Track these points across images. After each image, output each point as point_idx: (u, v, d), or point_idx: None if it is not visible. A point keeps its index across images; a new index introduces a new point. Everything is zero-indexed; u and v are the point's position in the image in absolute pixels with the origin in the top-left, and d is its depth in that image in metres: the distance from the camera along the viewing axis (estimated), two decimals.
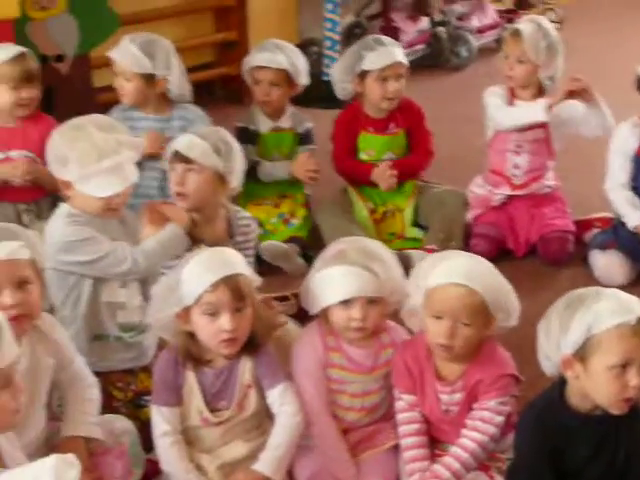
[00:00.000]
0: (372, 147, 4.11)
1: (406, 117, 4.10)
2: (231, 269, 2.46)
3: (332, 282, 2.58)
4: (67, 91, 4.70)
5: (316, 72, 5.28)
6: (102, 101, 4.62)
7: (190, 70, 4.86)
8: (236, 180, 3.09)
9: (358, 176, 4.10)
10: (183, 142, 3.06)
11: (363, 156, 4.12)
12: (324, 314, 2.64)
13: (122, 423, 2.60)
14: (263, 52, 4.10)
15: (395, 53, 3.99)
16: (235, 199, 3.97)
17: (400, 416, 2.60)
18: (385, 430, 2.67)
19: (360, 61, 3.98)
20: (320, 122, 4.36)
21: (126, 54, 3.75)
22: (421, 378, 2.57)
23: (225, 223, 3.13)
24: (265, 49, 4.11)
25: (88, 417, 2.52)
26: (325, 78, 5.76)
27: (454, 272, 2.44)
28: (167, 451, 2.52)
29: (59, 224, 2.82)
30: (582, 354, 2.20)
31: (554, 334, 2.24)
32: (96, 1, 4.82)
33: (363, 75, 3.99)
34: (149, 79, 3.78)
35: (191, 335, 2.51)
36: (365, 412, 2.68)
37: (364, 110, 4.08)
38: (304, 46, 5.65)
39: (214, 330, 2.45)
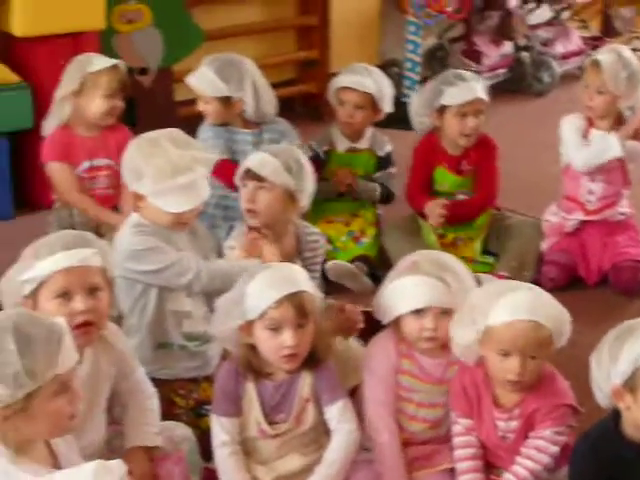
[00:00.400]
0: (446, 182, 4.10)
1: (479, 153, 4.07)
2: (295, 286, 2.49)
3: (405, 292, 2.61)
4: (149, 104, 4.81)
5: (396, 94, 5.31)
6: (183, 115, 4.71)
7: (272, 86, 4.96)
8: (306, 199, 3.12)
9: (415, 203, 4.09)
10: (255, 160, 3.11)
11: (438, 188, 4.11)
12: (397, 324, 2.66)
13: (182, 430, 2.64)
14: (352, 74, 4.13)
15: (476, 89, 3.97)
16: (306, 215, 4.04)
17: (457, 440, 2.61)
18: (443, 451, 2.67)
19: (439, 96, 3.97)
20: (398, 143, 4.38)
21: (202, 78, 3.83)
22: (478, 403, 2.57)
23: (294, 239, 3.16)
24: (355, 71, 4.14)
25: (149, 427, 2.56)
26: (404, 100, 5.81)
27: (518, 308, 2.43)
28: (225, 461, 2.55)
29: (127, 233, 2.89)
30: (631, 385, 2.19)
31: (604, 364, 2.23)
32: (181, 16, 4.93)
33: (442, 110, 3.98)
34: (226, 101, 3.83)
35: (253, 348, 2.54)
36: (428, 425, 2.69)
37: (441, 144, 4.07)
38: (385, 67, 5.68)
39: (276, 345, 2.49)
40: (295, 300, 2.47)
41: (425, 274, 2.59)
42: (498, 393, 2.55)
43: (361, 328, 3.03)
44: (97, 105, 3.71)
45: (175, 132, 2.92)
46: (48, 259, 2.36)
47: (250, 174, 3.08)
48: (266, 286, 2.48)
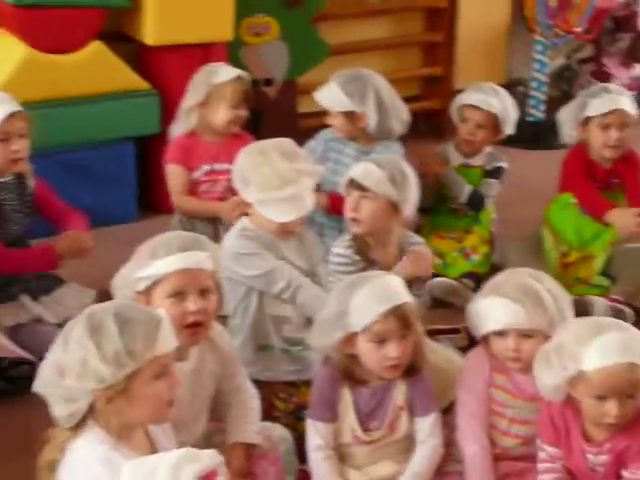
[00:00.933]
0: None
1: (625, 167, 4.04)
2: (398, 299, 2.53)
3: (487, 312, 2.63)
4: (273, 114, 4.92)
5: (520, 113, 5.28)
6: (305, 126, 4.80)
7: None
8: (410, 209, 3.16)
9: (595, 209, 4.02)
10: (359, 170, 3.15)
11: None
12: (487, 341, 2.69)
13: (280, 432, 2.72)
14: (478, 92, 4.13)
15: (620, 101, 3.94)
16: (419, 229, 4.07)
17: (541, 466, 2.60)
18: (534, 470, 2.66)
19: (584, 108, 3.97)
20: (518, 162, 4.38)
21: (328, 93, 3.89)
22: (567, 435, 2.55)
23: (397, 248, 3.19)
24: (481, 90, 4.14)
25: (250, 426, 2.65)
26: (529, 119, 5.78)
27: (611, 351, 2.38)
28: (319, 464, 2.61)
29: (233, 235, 3.01)
30: None
31: None
32: (307, 30, 5.04)
33: (586, 122, 3.98)
34: (350, 116, 3.88)
35: (353, 357, 2.59)
36: (520, 441, 2.70)
37: (589, 157, 4.05)
38: (511, 86, 5.66)
39: (380, 357, 2.54)
40: (399, 312, 2.51)
41: (505, 297, 2.59)
42: (588, 428, 2.52)
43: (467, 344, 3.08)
44: (222, 115, 3.82)
45: (285, 143, 3.01)
46: (165, 259, 2.46)
47: (354, 184, 3.14)
48: (370, 300, 2.52)
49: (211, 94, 3.81)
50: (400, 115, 3.94)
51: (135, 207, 4.54)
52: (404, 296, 2.56)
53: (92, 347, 2.04)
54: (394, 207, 3.12)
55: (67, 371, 2.06)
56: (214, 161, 3.88)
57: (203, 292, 2.50)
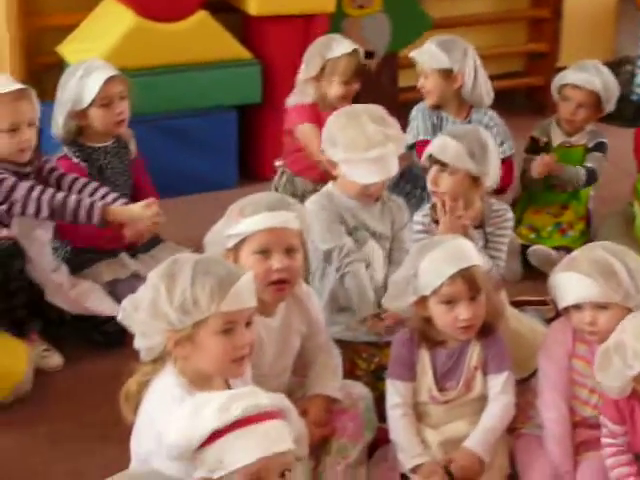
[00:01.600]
0: None
1: None
2: (466, 261, 2.58)
3: (562, 286, 2.65)
4: (373, 87, 4.94)
5: (626, 91, 5.22)
6: (404, 100, 4.83)
7: (496, 77, 4.98)
8: (491, 180, 3.16)
9: None
10: (437, 145, 3.15)
11: None
12: (567, 312, 2.71)
13: (360, 390, 2.78)
14: (581, 71, 4.08)
15: None
16: (516, 202, 4.09)
17: (604, 440, 2.61)
18: None
19: None
20: (620, 140, 4.33)
21: (424, 51, 3.90)
22: (631, 414, 2.55)
23: (477, 212, 3.19)
24: (583, 69, 4.09)
25: (331, 381, 2.73)
26: (633, 98, 5.70)
27: None
28: (396, 422, 2.67)
29: (313, 200, 3.12)
30: None
31: None
32: (410, 3, 5.06)
33: None
34: (446, 75, 3.86)
35: (428, 319, 2.65)
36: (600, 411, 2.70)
37: None
38: (618, 64, 5.60)
39: (451, 318, 2.59)
40: (467, 275, 2.56)
41: (579, 271, 2.60)
42: None
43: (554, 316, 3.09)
44: (335, 89, 3.86)
45: (375, 108, 3.06)
46: (253, 218, 2.55)
47: (432, 159, 3.15)
48: (438, 263, 2.58)
49: (325, 68, 3.85)
50: (488, 87, 3.94)
51: (235, 174, 4.63)
52: (473, 259, 2.60)
53: (163, 290, 2.14)
54: (474, 180, 3.12)
55: (140, 308, 2.17)
56: None
57: (288, 251, 2.58)
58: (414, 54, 3.97)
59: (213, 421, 1.83)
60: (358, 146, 2.95)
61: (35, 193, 3.18)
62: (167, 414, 2.03)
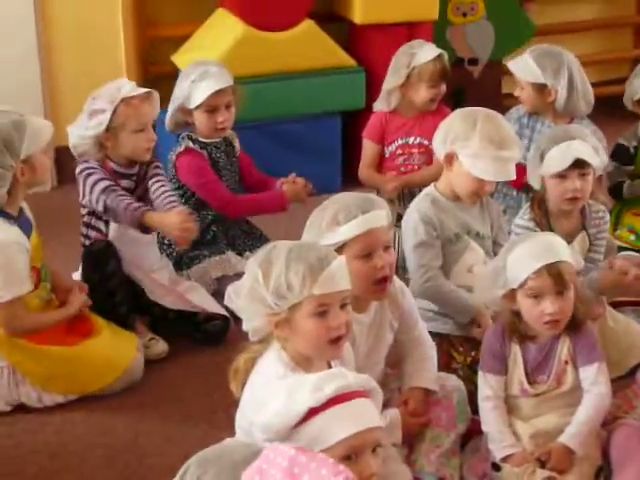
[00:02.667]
0: None
1: None
2: (554, 256, 2.63)
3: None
4: (476, 93, 5.03)
5: None
6: (508, 106, 4.87)
7: (602, 84, 5.02)
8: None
9: None
10: (582, 149, 3.16)
11: None
12: None
13: (454, 382, 2.86)
14: None
15: None
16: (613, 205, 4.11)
17: None
18: None
19: None
20: None
21: (521, 64, 3.96)
22: None
23: (578, 218, 3.27)
24: None
25: (427, 373, 2.82)
26: None
27: None
28: (488, 414, 2.75)
29: (420, 199, 3.19)
30: None
31: None
32: (514, 10, 5.12)
33: None
34: (540, 89, 3.92)
35: (517, 313, 2.72)
36: None
37: None
38: None
39: (537, 312, 2.65)
40: (553, 269, 2.61)
41: None
42: None
43: None
44: (422, 94, 3.96)
45: (497, 114, 3.14)
46: (351, 223, 2.58)
47: (578, 164, 3.15)
48: (525, 256, 2.64)
49: (411, 75, 3.95)
50: (587, 97, 3.94)
51: (340, 178, 4.75)
52: (562, 254, 2.65)
53: (260, 276, 2.26)
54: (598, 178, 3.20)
55: (241, 293, 2.31)
56: (408, 135, 4.03)
57: (386, 248, 2.66)
58: (510, 65, 4.04)
59: (308, 400, 1.92)
60: (493, 143, 3.02)
61: (98, 188, 3.41)
62: (269, 389, 2.14)
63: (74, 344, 3.18)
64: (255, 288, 2.27)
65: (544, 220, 3.22)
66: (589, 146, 3.16)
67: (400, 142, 4.05)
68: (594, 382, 2.71)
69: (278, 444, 1.71)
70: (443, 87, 4.02)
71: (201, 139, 3.82)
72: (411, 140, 4.03)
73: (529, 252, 2.65)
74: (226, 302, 2.40)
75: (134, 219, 3.39)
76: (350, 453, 1.89)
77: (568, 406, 2.73)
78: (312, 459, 1.59)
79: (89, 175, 3.45)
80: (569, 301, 2.66)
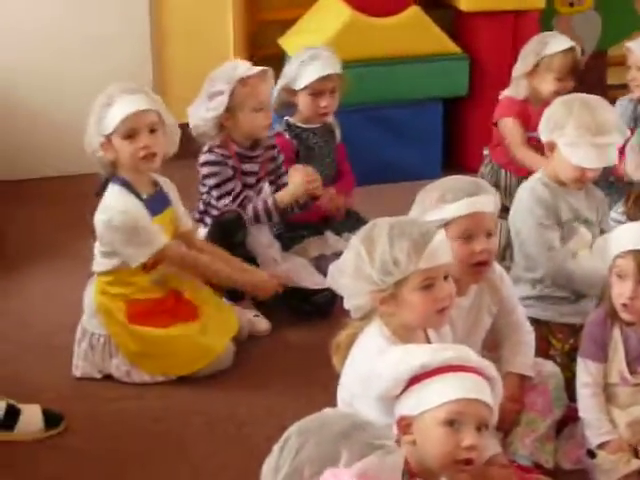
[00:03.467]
0: None
1: None
2: None
3: None
4: (582, 84, 4.96)
5: None
6: (613, 97, 4.83)
7: None
8: None
9: None
10: None
11: None
12: None
13: (551, 368, 2.87)
14: None
15: None
16: None
17: None
18: None
19: None
20: None
21: None
22: None
23: None
24: None
25: (524, 358, 2.84)
26: None
27: None
28: (586, 400, 2.75)
29: (530, 186, 3.20)
30: None
31: None
32: (621, 1, 5.07)
33: None
34: None
35: None
36: None
37: None
38: None
39: (617, 293, 2.69)
40: (638, 256, 2.63)
41: None
42: None
43: None
44: (548, 86, 3.92)
45: (601, 99, 3.14)
46: (455, 203, 2.64)
47: None
48: (622, 236, 2.69)
49: (539, 64, 3.92)
50: None
51: (440, 164, 4.75)
52: None
53: (364, 254, 2.32)
54: None
55: (345, 272, 2.35)
56: (535, 129, 4.01)
57: (488, 234, 2.69)
58: (631, 45, 3.98)
59: (424, 356, 1.95)
60: (589, 130, 3.03)
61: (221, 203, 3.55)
62: (371, 361, 2.20)
63: (169, 326, 3.23)
64: (359, 266, 2.32)
65: (638, 215, 3.21)
66: None
67: (531, 135, 3.92)
68: None
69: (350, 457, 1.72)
70: (571, 82, 3.95)
71: (299, 124, 3.88)
72: (534, 134, 3.96)
73: (628, 232, 2.68)
74: (328, 281, 2.45)
75: (272, 213, 3.55)
76: (454, 418, 1.93)
77: None
78: None
79: (209, 176, 3.54)
80: None
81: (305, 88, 3.80)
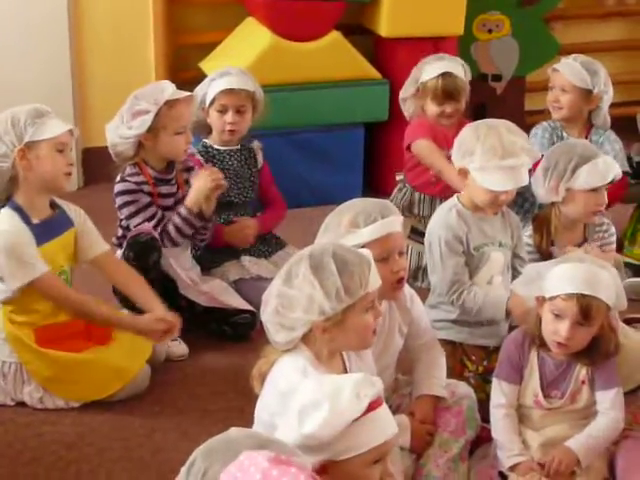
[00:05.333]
0: None
1: None
2: (591, 290, 2.64)
3: None
4: (499, 109, 5.06)
5: None
6: (531, 123, 4.92)
7: (624, 104, 5.07)
8: None
9: None
10: (609, 167, 3.30)
11: None
12: None
13: (464, 389, 2.89)
14: None
15: None
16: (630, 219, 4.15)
17: None
18: None
19: None
20: None
21: (569, 67, 3.98)
22: None
23: (581, 233, 3.37)
24: None
25: (437, 380, 2.87)
26: None
27: None
28: (499, 421, 2.78)
29: (443, 212, 3.24)
30: None
31: None
32: (539, 28, 5.18)
33: None
34: (585, 95, 3.95)
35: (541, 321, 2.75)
36: None
37: None
38: None
39: (552, 329, 2.70)
40: (584, 301, 2.63)
41: None
42: None
43: None
44: (430, 109, 4.00)
45: (509, 122, 3.19)
46: (370, 227, 2.67)
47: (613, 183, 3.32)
48: (567, 276, 2.66)
49: (419, 89, 4.01)
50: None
51: (360, 188, 4.77)
52: (600, 291, 2.64)
53: (317, 284, 2.31)
54: None
55: (294, 305, 2.33)
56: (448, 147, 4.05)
57: (401, 253, 2.75)
58: (558, 66, 4.02)
59: (352, 412, 1.95)
60: (496, 154, 3.08)
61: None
62: (290, 379, 2.24)
63: (83, 350, 3.19)
64: (313, 298, 2.31)
65: (545, 239, 3.32)
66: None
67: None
68: (611, 407, 2.74)
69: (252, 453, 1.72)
70: (454, 105, 3.98)
71: (216, 146, 3.88)
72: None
73: (573, 273, 2.67)
74: (263, 317, 2.42)
75: (191, 220, 3.53)
76: (379, 458, 1.98)
77: (581, 419, 2.77)
78: (284, 474, 1.62)
79: (124, 205, 3.54)
80: (586, 334, 2.69)
81: (212, 104, 3.81)
